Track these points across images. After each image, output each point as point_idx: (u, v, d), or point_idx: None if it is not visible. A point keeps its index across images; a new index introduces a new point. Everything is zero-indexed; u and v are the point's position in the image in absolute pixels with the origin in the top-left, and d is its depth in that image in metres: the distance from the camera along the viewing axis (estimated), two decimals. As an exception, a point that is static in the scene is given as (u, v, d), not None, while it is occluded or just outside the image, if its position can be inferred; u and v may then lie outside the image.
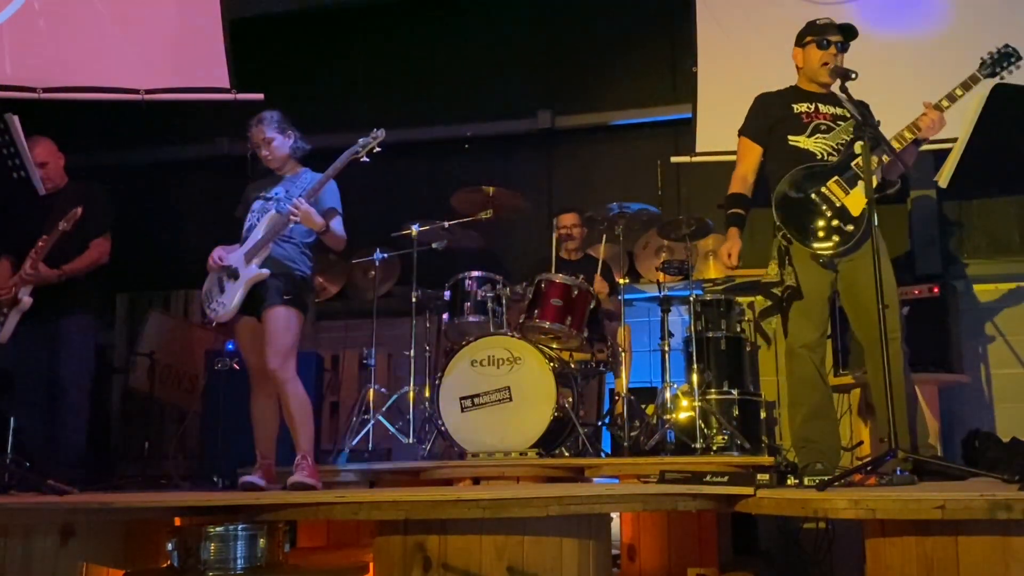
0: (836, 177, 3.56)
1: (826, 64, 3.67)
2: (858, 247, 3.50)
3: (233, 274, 3.92)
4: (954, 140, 3.18)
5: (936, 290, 5.02)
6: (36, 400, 4.43)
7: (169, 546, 2.94)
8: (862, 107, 3.61)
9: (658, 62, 6.74)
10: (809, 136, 3.66)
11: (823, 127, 3.63)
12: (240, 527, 2.90)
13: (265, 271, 3.87)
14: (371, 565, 3.10)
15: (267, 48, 7.13)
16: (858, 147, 3.46)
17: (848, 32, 3.73)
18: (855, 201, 3.44)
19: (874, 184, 3.31)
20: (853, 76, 3.52)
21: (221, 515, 2.98)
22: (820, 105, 3.73)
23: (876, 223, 3.24)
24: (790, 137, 3.69)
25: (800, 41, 3.84)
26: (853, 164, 3.53)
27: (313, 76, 7.24)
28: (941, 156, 4.39)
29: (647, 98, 6.68)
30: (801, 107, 3.71)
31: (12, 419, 4.57)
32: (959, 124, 3.23)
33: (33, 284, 4.31)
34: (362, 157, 3.92)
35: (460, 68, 7.15)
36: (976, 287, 5.74)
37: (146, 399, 6.28)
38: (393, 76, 7.20)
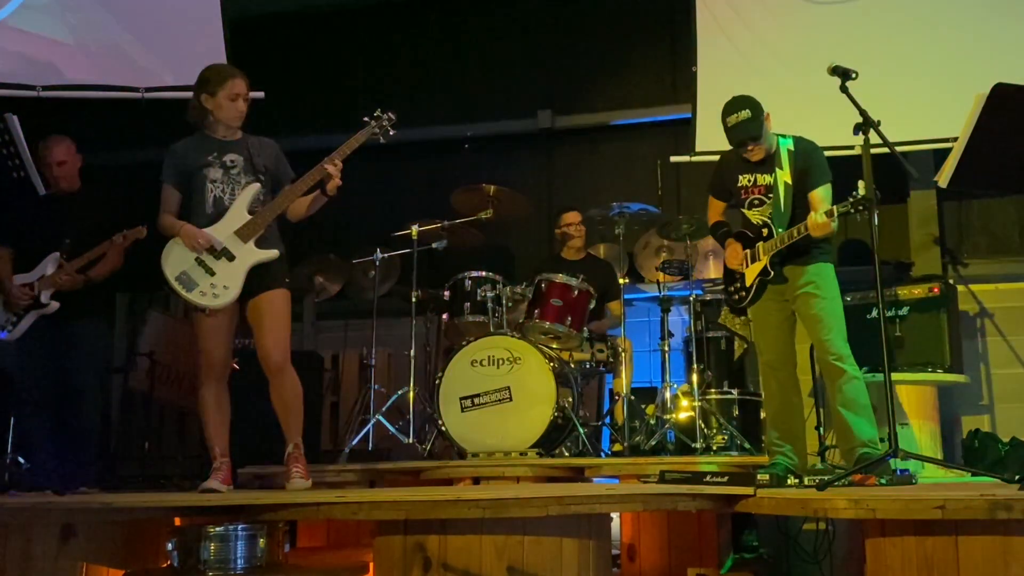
0: (747, 252, 3.96)
1: (748, 152, 3.88)
2: (753, 302, 3.95)
3: (228, 255, 3.61)
4: (954, 140, 3.18)
5: (936, 290, 5.02)
6: (43, 401, 4.41)
7: (169, 546, 2.95)
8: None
9: (658, 62, 6.74)
10: (749, 209, 3.99)
11: (756, 202, 3.96)
12: (240, 527, 2.90)
13: (275, 251, 3.66)
14: (371, 565, 3.10)
15: (267, 48, 7.12)
16: (764, 231, 3.86)
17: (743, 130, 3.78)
18: (751, 272, 3.93)
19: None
20: (853, 76, 3.57)
21: (221, 515, 2.98)
22: (758, 176, 3.96)
23: (876, 222, 3.29)
24: (742, 208, 4.02)
25: None
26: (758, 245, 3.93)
27: (313, 76, 7.24)
28: (941, 156, 4.38)
29: (647, 98, 6.68)
30: (744, 180, 3.98)
31: (12, 419, 4.56)
32: (959, 124, 3.23)
33: (60, 289, 4.29)
34: (380, 138, 3.79)
35: (460, 68, 7.15)
36: (976, 287, 5.73)
37: (146, 399, 6.28)
38: (393, 76, 7.20)
